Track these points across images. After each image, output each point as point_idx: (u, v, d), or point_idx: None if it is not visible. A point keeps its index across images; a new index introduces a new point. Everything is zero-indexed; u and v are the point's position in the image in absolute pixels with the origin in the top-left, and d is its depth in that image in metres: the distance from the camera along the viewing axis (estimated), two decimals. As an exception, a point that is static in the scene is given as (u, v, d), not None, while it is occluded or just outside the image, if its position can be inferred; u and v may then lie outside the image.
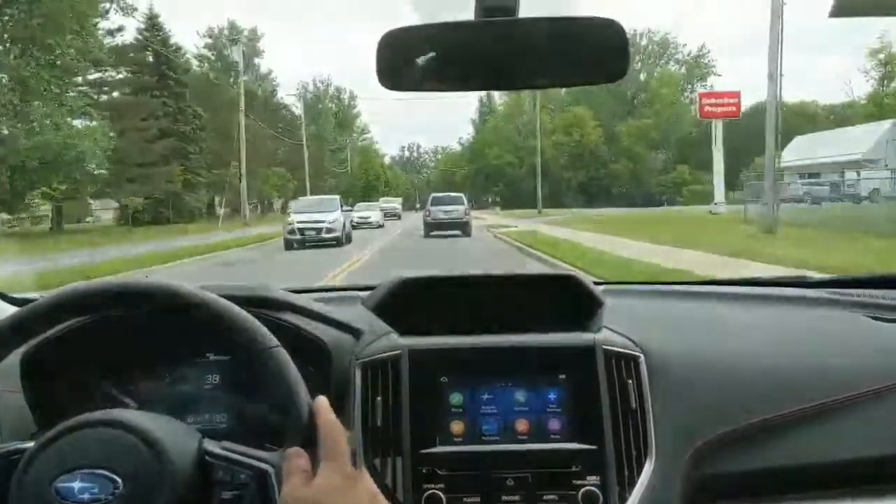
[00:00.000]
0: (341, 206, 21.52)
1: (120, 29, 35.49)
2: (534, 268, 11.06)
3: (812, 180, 30.15)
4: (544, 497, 1.00)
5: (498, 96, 70.30)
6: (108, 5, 29.94)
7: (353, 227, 25.94)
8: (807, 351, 1.20)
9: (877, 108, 41.41)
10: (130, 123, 33.95)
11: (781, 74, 16.29)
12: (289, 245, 18.78)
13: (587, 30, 0.87)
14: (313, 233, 18.91)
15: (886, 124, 31.29)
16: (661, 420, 1.05)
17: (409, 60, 0.85)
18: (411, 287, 1.24)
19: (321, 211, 19.86)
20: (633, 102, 66.16)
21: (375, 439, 1.02)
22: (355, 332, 1.15)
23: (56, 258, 13.43)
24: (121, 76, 38.31)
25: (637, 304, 1.37)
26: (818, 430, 1.09)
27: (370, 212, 33.03)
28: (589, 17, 0.87)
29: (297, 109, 58.62)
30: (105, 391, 1.09)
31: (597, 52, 0.87)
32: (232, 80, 40.09)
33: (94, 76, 33.90)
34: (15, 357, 0.95)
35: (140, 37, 38.12)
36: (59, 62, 25.10)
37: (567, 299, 1.22)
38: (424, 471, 1.01)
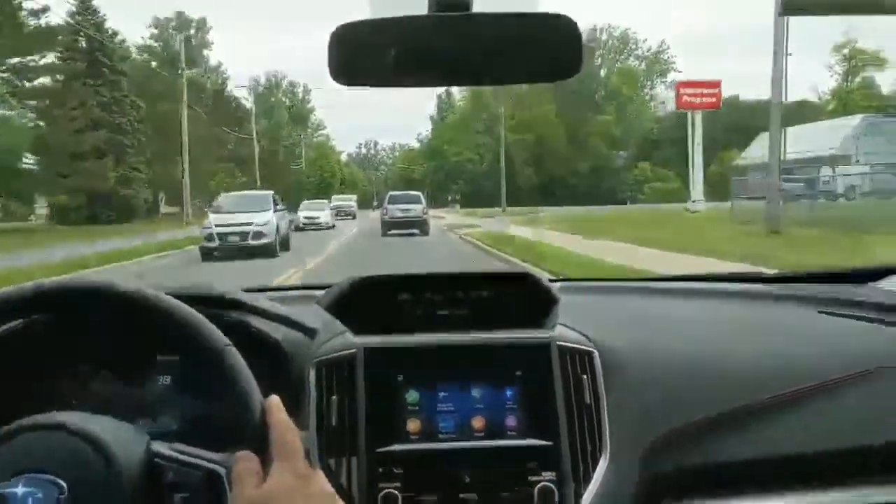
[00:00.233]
0: (275, 205, 16.95)
1: (45, 10, 32.65)
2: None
3: (785, 177, 29.26)
4: (501, 494, 1.00)
5: (457, 92, 69.10)
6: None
7: (300, 229, 23.30)
8: (761, 346, 1.22)
9: (840, 104, 41.20)
10: (59, 113, 31.20)
11: (786, 67, 15.95)
12: (206, 254, 14.95)
13: (540, 25, 0.87)
14: (237, 238, 15.02)
15: (855, 119, 30.54)
16: (615, 416, 1.06)
17: (361, 55, 0.85)
18: (366, 286, 1.22)
19: (248, 210, 15.68)
20: (594, 99, 65.46)
21: (331, 439, 1.01)
22: (310, 332, 1.13)
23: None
24: (48, 61, 35.21)
25: (592, 301, 1.39)
26: (772, 425, 1.11)
27: (318, 211, 28.02)
28: (542, 13, 0.86)
29: (248, 103, 56.31)
30: (49, 393, 1.03)
31: (550, 48, 0.87)
32: (181, 71, 37.51)
33: (14, 60, 31.01)
34: None
35: (71, 20, 35.00)
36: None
37: (523, 297, 1.21)
38: (380, 470, 1.00)
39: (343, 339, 1.10)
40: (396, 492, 0.99)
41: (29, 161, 28.10)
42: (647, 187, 53.78)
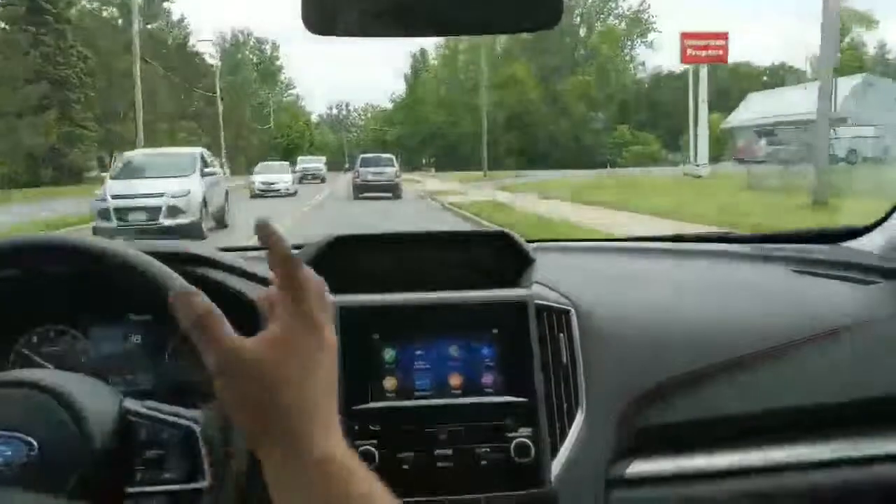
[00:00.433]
0: (203, 167, 12.12)
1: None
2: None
3: (770, 138, 27.65)
4: (477, 450, 1.02)
5: (433, 49, 66.44)
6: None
7: (259, 195, 20.05)
8: (733, 304, 1.24)
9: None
10: (-6, 63, 28.32)
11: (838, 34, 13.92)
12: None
13: None
14: (142, 216, 10.58)
15: (854, 80, 28.96)
16: (591, 373, 1.08)
17: (336, 3, 0.82)
18: (342, 245, 1.21)
19: (162, 175, 11.14)
20: (573, 58, 63.37)
21: None
22: None
23: None
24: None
25: (568, 261, 1.40)
26: (744, 382, 1.13)
27: (276, 174, 22.13)
28: None
29: (214, 59, 53.18)
30: (18, 351, 1.05)
31: None
32: (140, 23, 34.39)
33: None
34: None
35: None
36: None
37: (500, 256, 1.21)
38: (357, 427, 1.02)
39: None
40: (373, 448, 1.00)
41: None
42: (626, 151, 52.22)
